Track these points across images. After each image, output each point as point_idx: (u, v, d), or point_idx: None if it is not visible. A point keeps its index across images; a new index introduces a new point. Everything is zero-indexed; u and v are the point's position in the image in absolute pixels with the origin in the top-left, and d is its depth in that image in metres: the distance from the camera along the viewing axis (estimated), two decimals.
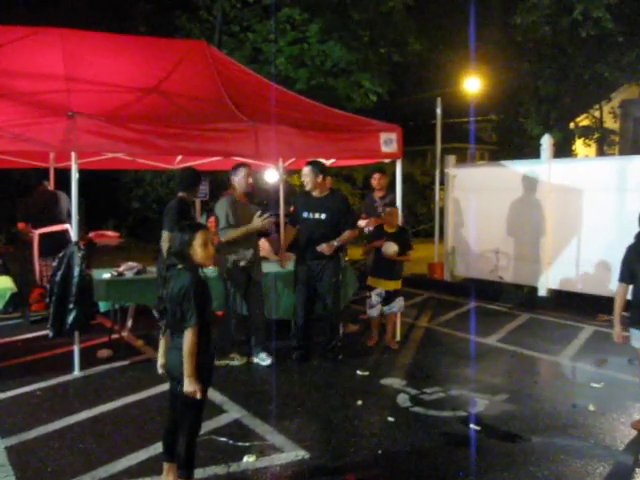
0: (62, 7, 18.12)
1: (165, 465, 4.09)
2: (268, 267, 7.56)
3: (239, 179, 6.82)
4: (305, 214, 7.01)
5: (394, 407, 5.70)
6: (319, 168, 7.01)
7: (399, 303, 7.70)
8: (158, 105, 7.17)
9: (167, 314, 3.91)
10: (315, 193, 7.04)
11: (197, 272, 3.88)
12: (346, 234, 7.01)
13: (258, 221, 6.67)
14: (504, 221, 10.93)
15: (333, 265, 6.96)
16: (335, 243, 6.90)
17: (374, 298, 7.61)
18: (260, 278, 7.07)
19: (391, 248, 7.38)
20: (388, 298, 7.60)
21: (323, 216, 6.93)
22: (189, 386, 3.72)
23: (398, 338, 7.95)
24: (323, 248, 6.85)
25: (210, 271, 6.72)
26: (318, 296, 7.07)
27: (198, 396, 3.74)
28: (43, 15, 12.04)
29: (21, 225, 9.23)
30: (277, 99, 7.96)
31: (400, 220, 7.89)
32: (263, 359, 6.87)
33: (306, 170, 7.00)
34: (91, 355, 7.03)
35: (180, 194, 6.95)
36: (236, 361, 6.88)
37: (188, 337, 3.71)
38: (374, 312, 7.64)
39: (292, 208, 7.58)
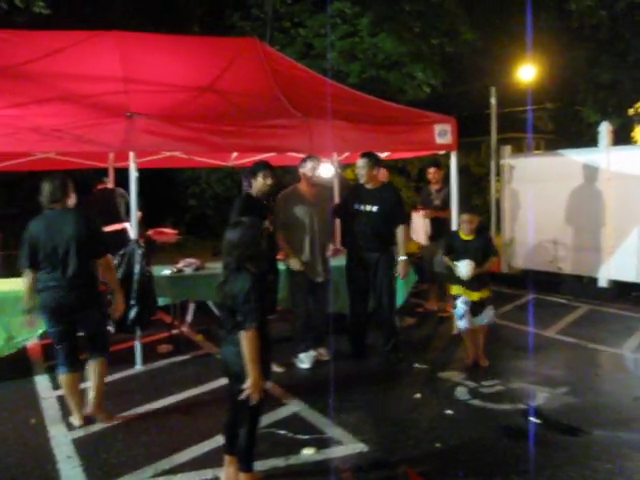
0: (118, 11, 18.45)
1: (226, 457, 4.17)
2: None
3: (303, 171, 6.77)
4: (357, 206, 6.89)
5: (452, 400, 5.68)
6: (374, 160, 6.92)
7: (489, 313, 6.69)
8: (213, 103, 7.27)
9: (225, 310, 3.97)
10: (368, 185, 6.94)
11: (257, 272, 3.92)
12: (401, 235, 6.86)
13: (295, 263, 6.62)
14: (562, 211, 10.73)
15: (387, 258, 6.86)
16: (403, 257, 6.84)
17: (460, 307, 6.62)
18: (322, 279, 6.88)
19: (465, 269, 6.42)
20: (474, 308, 6.62)
21: (375, 208, 6.82)
22: (255, 392, 3.79)
23: (455, 331, 7.89)
24: (400, 273, 6.85)
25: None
26: (373, 291, 6.99)
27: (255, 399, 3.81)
28: (100, 19, 12.28)
29: None
30: (330, 93, 7.97)
31: (451, 216, 7.64)
32: (302, 361, 6.78)
33: (362, 162, 6.90)
34: (152, 350, 7.20)
35: (248, 190, 6.84)
36: (303, 363, 6.78)
37: (249, 339, 3.76)
38: (463, 324, 6.66)
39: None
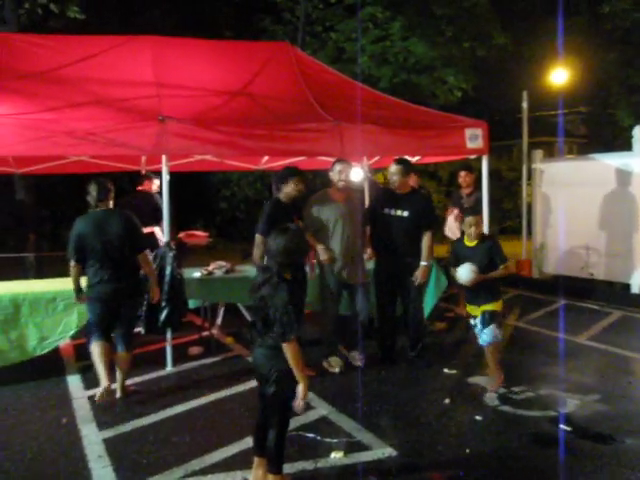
0: (150, 17, 18.66)
1: (255, 459, 4.20)
2: None
3: (332, 174, 6.74)
4: (387, 210, 6.84)
5: (482, 406, 5.65)
6: (407, 167, 6.89)
7: (491, 331, 5.97)
8: (244, 107, 7.32)
9: (259, 314, 3.97)
10: (398, 190, 6.90)
11: (295, 280, 3.98)
12: (427, 241, 6.81)
13: (324, 253, 6.61)
14: (595, 216, 10.63)
15: (416, 264, 6.80)
16: (424, 263, 6.79)
17: (478, 327, 6.11)
18: (356, 281, 6.81)
19: (465, 273, 5.85)
20: (484, 323, 6.01)
21: (406, 213, 6.77)
22: (304, 395, 3.86)
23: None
24: (417, 278, 6.77)
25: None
26: (401, 295, 6.97)
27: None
28: (132, 25, 12.45)
29: None
30: (361, 98, 7.99)
31: (483, 221, 7.58)
32: (331, 365, 6.73)
33: (395, 169, 6.83)
34: (182, 352, 7.25)
35: (277, 194, 6.73)
36: (332, 368, 6.71)
37: (291, 350, 3.80)
38: (480, 341, 6.15)
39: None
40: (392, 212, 6.83)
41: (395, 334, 7.11)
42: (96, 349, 5.84)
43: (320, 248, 6.63)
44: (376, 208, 7.05)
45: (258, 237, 6.38)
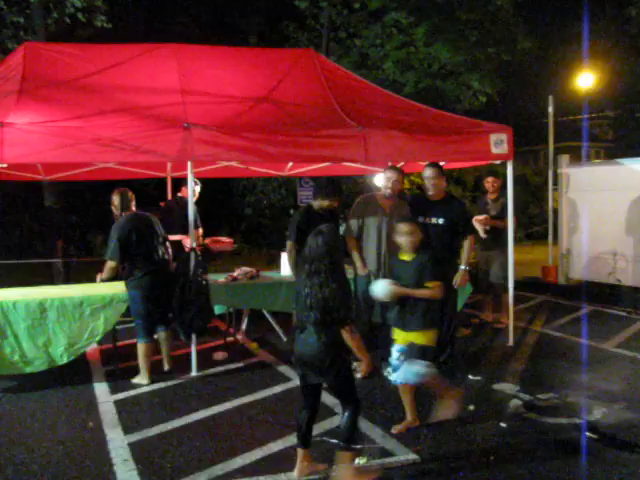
0: (176, 25, 18.84)
1: (300, 452, 4.42)
2: None
3: (380, 180, 6.85)
4: (420, 218, 6.52)
5: (507, 413, 5.61)
6: (442, 170, 6.79)
7: (414, 372, 4.95)
8: (269, 114, 7.36)
9: (311, 313, 4.18)
10: (433, 197, 6.77)
11: (340, 274, 4.27)
12: (467, 248, 6.79)
13: (360, 267, 6.63)
14: (622, 222, 10.52)
15: (449, 271, 6.68)
16: (464, 267, 6.78)
17: (393, 356, 5.15)
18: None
19: (380, 289, 5.04)
20: (409, 354, 5.02)
21: (441, 221, 6.65)
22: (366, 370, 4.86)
23: (511, 343, 7.80)
24: (458, 283, 6.76)
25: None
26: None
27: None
28: (158, 33, 12.58)
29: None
30: (385, 104, 8.00)
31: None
32: (358, 372, 6.35)
33: (431, 172, 6.71)
34: (207, 357, 7.30)
35: (311, 202, 7.09)
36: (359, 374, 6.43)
37: (351, 333, 4.20)
38: (393, 377, 5.18)
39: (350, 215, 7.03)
40: (427, 220, 6.65)
41: None
42: (142, 349, 6.59)
43: (356, 258, 6.68)
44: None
45: (289, 244, 6.81)
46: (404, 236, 5.10)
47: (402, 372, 5.01)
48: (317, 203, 6.70)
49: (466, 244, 6.81)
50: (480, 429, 5.26)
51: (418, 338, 5.03)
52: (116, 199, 6.71)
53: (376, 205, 6.77)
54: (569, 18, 19.05)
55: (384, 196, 6.76)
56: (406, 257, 5.17)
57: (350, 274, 6.70)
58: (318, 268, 4.20)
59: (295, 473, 4.42)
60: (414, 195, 7.61)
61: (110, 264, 6.53)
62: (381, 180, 6.77)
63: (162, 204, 9.53)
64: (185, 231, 7.35)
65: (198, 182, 8.51)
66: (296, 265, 6.48)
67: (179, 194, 8.91)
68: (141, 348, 6.58)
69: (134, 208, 6.77)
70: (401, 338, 5.11)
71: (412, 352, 5.00)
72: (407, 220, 5.26)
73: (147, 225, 6.71)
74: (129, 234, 6.47)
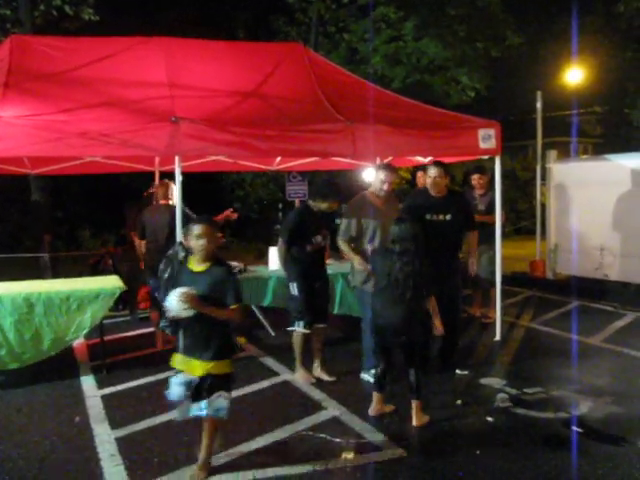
0: (164, 18, 18.76)
1: (376, 396, 5.44)
2: None
3: (373, 180, 6.55)
4: (428, 216, 6.49)
5: (494, 407, 5.63)
6: (446, 169, 6.67)
7: (216, 402, 4.25)
8: (257, 108, 7.33)
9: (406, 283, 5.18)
10: (436, 194, 6.64)
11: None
12: (473, 241, 6.86)
13: (360, 265, 6.13)
14: (609, 217, 10.57)
15: (456, 266, 6.65)
16: (474, 259, 6.86)
17: (174, 389, 4.30)
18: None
19: (173, 302, 4.06)
20: (198, 391, 4.22)
21: (449, 217, 6.55)
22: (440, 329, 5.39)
23: (498, 337, 7.83)
24: (473, 269, 6.84)
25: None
26: (439, 298, 6.74)
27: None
28: (147, 26, 12.50)
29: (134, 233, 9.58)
30: (374, 98, 7.99)
31: (495, 221, 7.26)
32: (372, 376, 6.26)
33: (437, 171, 6.55)
34: None
35: (308, 202, 6.70)
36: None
37: (432, 300, 5.35)
38: (177, 413, 4.45)
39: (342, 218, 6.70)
40: (435, 217, 6.56)
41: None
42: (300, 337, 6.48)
43: (356, 261, 6.23)
44: (415, 214, 6.42)
45: (280, 241, 6.41)
46: (197, 239, 4.15)
47: (197, 408, 4.27)
48: (315, 204, 6.45)
49: (472, 237, 6.89)
50: (467, 423, 5.28)
51: (213, 368, 4.22)
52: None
53: (370, 205, 6.44)
54: (558, 14, 19.06)
55: (376, 195, 6.47)
56: (196, 267, 4.27)
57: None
58: (407, 248, 5.18)
59: (370, 411, 5.40)
60: (417, 191, 7.39)
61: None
62: (373, 177, 6.60)
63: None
64: None
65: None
66: (286, 262, 6.40)
67: (151, 190, 9.05)
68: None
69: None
70: (191, 368, 4.24)
71: (204, 386, 4.22)
72: (203, 220, 4.25)
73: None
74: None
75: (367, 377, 6.34)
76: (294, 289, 6.37)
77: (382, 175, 6.41)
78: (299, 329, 6.39)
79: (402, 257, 5.17)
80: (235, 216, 8.41)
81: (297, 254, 6.36)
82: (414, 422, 5.21)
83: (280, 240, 6.47)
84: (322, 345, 6.59)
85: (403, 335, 5.22)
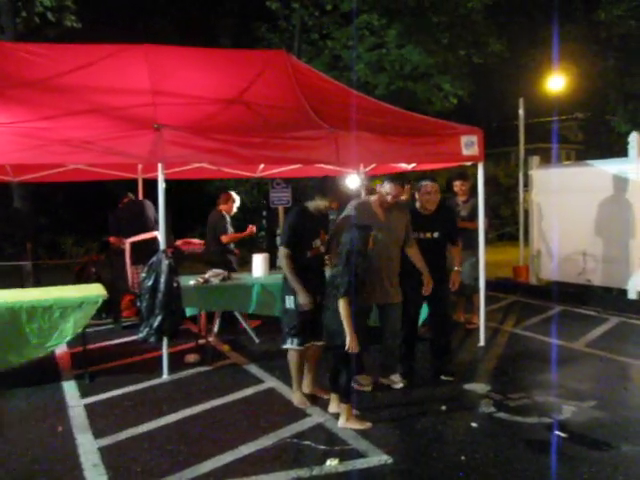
0: (148, 25, 18.74)
1: (332, 395, 5.63)
2: None
3: (379, 190, 6.35)
4: (415, 234, 6.43)
5: (478, 413, 5.64)
6: (439, 185, 6.66)
7: None
8: (240, 115, 7.33)
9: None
10: (425, 211, 6.63)
11: None
12: (457, 253, 6.83)
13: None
14: (591, 223, 10.64)
15: (444, 278, 6.62)
16: (457, 268, 6.79)
17: None
18: (386, 301, 6.27)
19: None
20: None
21: (436, 234, 6.59)
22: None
23: (482, 343, 7.86)
24: (454, 283, 6.71)
25: None
26: (429, 307, 6.85)
27: None
28: (130, 33, 12.50)
29: (112, 239, 9.59)
30: (357, 105, 8.00)
31: (477, 227, 7.39)
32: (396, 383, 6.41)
33: (434, 187, 6.60)
34: (179, 360, 7.24)
35: (306, 203, 6.04)
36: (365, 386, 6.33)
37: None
38: None
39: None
40: (420, 235, 6.54)
41: (414, 354, 6.88)
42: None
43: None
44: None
45: (283, 250, 5.73)
46: None
47: None
48: (313, 204, 5.90)
49: (456, 250, 6.84)
50: (451, 429, 5.28)
51: None
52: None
53: (371, 213, 6.24)
54: (539, 21, 19.21)
55: (379, 205, 6.30)
56: None
57: None
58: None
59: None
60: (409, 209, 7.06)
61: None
62: (380, 186, 6.38)
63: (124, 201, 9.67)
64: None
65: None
66: (293, 269, 5.69)
67: (125, 200, 9.17)
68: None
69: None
70: None
71: None
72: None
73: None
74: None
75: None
76: (290, 302, 5.77)
77: (388, 187, 6.19)
78: (292, 347, 5.85)
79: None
80: (254, 230, 9.02)
81: (296, 262, 5.71)
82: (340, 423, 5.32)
83: (282, 248, 5.76)
84: (316, 364, 6.14)
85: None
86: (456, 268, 6.82)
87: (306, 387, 6.11)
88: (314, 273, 5.87)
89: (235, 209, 9.06)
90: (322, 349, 5.93)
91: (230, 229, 8.78)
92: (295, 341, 5.81)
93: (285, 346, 5.90)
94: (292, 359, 5.91)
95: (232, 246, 8.82)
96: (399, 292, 6.33)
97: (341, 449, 4.86)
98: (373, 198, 6.46)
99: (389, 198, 6.19)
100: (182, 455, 4.82)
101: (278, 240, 9.04)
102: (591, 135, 22.98)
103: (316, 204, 5.90)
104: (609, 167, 10.51)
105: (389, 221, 6.27)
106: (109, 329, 9.12)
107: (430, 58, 16.64)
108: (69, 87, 7.20)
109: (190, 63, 8.12)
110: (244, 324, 8.35)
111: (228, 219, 8.84)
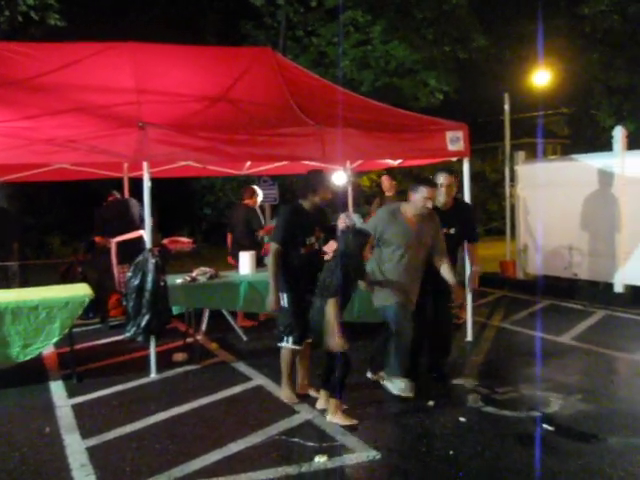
0: (133, 23, 18.66)
1: (321, 392, 5.60)
2: None
3: (413, 195, 5.81)
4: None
5: (466, 407, 5.66)
6: (456, 176, 6.40)
7: None
8: (226, 113, 7.32)
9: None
10: (442, 206, 6.27)
11: None
12: (474, 251, 6.65)
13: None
14: (577, 217, 10.69)
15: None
16: (475, 268, 6.66)
17: None
18: (385, 303, 5.92)
19: None
20: None
21: (453, 230, 6.31)
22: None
23: (469, 338, 7.89)
24: (472, 283, 6.67)
25: None
26: (435, 306, 6.47)
27: None
28: (114, 31, 12.43)
29: (98, 239, 9.55)
30: (343, 102, 8.00)
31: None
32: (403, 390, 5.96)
33: (449, 179, 6.27)
34: (167, 358, 7.23)
35: (299, 200, 5.94)
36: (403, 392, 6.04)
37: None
38: None
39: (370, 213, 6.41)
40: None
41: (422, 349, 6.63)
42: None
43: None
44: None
45: (275, 246, 5.62)
46: None
47: None
48: (307, 202, 5.79)
49: (472, 248, 6.67)
50: (439, 424, 5.30)
51: None
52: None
53: (402, 220, 5.89)
54: (524, 16, 19.25)
55: (413, 213, 5.89)
56: None
57: None
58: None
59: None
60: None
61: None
62: (412, 193, 5.86)
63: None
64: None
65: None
66: (278, 269, 5.62)
67: (110, 198, 9.50)
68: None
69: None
70: None
71: None
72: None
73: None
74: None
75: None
76: (284, 300, 5.67)
77: (424, 194, 5.74)
78: (288, 345, 5.75)
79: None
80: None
81: (289, 259, 5.64)
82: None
83: (273, 244, 5.65)
84: (309, 359, 6.05)
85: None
86: (474, 267, 6.69)
87: (299, 385, 6.04)
88: (307, 270, 5.69)
89: (259, 202, 9.43)
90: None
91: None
92: (290, 339, 5.72)
93: (281, 344, 5.82)
94: (285, 357, 5.84)
95: (266, 239, 8.85)
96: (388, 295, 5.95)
97: (330, 445, 4.86)
98: (404, 205, 5.99)
99: (429, 204, 5.77)
100: (171, 454, 4.81)
101: (258, 238, 9.05)
102: (577, 129, 23.10)
103: (310, 201, 5.81)
104: (594, 161, 10.55)
105: (421, 231, 5.90)
106: (96, 329, 9.08)
107: (415, 54, 16.65)
108: (53, 86, 7.16)
109: (175, 61, 8.09)
110: (232, 322, 8.33)
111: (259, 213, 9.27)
